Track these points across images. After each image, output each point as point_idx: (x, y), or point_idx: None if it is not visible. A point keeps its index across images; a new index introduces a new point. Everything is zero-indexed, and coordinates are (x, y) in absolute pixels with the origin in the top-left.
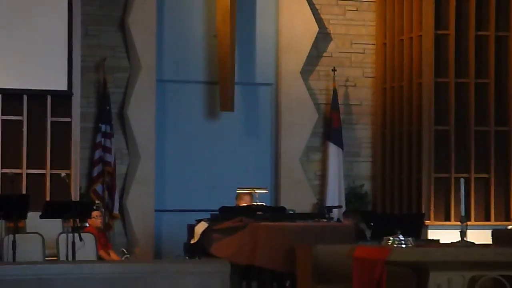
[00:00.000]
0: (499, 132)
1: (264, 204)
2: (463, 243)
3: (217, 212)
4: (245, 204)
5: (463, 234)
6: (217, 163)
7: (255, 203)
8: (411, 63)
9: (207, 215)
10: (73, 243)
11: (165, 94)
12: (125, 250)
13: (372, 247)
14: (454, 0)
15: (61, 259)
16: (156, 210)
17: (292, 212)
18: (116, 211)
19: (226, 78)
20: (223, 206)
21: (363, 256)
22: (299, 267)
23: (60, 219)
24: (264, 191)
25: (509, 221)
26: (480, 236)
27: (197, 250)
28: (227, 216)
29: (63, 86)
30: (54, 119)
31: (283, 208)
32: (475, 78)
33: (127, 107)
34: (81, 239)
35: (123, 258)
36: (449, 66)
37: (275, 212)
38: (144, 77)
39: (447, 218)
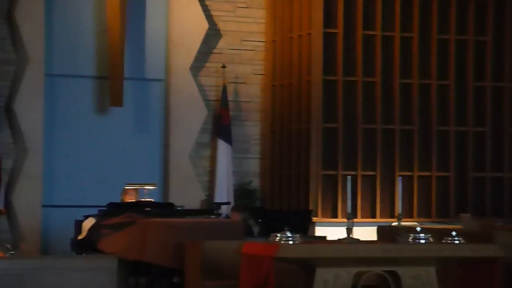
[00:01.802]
0: (386, 130)
1: (152, 200)
2: (349, 240)
3: (105, 208)
4: (130, 200)
5: (349, 231)
6: (106, 158)
7: (142, 199)
8: (300, 61)
9: (96, 211)
10: None
11: (54, 88)
12: (9, 246)
13: (260, 244)
14: (342, 0)
15: None
16: (43, 206)
17: (180, 208)
18: (1, 206)
19: (115, 73)
20: (111, 202)
21: (251, 252)
22: (188, 263)
23: None
24: (153, 187)
25: (393, 218)
26: (366, 232)
27: (85, 246)
28: (115, 212)
29: None
30: None
31: (172, 204)
32: (363, 76)
33: (14, 101)
34: None
35: (7, 255)
36: (337, 65)
37: (164, 208)
38: (31, 71)
39: (334, 215)
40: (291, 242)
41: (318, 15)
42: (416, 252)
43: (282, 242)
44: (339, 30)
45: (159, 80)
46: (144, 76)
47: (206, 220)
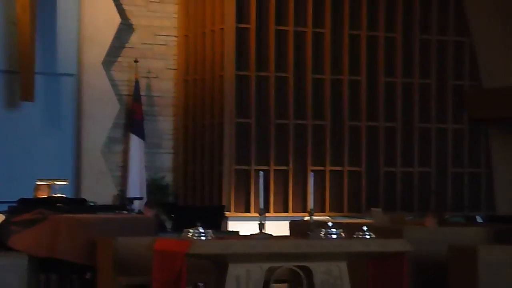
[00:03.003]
0: (298, 125)
1: (64, 195)
2: (261, 235)
3: (15, 204)
4: (43, 196)
5: (261, 226)
6: (18, 154)
7: (54, 195)
8: (213, 56)
9: (6, 207)
10: None
11: None
12: None
13: (172, 240)
14: None
15: None
16: None
17: (93, 204)
18: None
19: (26, 67)
20: (21, 198)
21: (163, 249)
22: (100, 259)
23: None
24: (65, 183)
25: (306, 212)
26: (279, 227)
27: None
28: (26, 208)
29: None
30: None
31: (84, 200)
32: (275, 71)
33: None
34: None
35: None
36: (250, 60)
37: (76, 204)
38: None
39: (247, 210)
40: (203, 238)
41: (230, 10)
42: (327, 247)
43: (195, 238)
44: (252, 25)
45: (71, 75)
46: (56, 71)
47: (118, 216)
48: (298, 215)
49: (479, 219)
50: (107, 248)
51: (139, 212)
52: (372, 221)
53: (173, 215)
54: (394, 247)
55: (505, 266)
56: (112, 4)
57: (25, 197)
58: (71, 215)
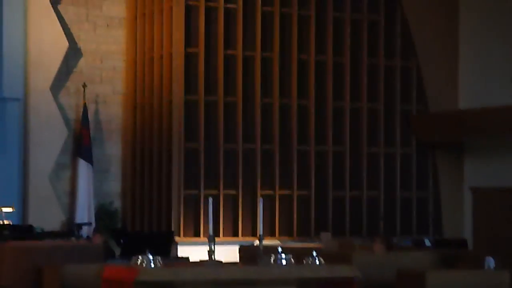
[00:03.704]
0: (247, 149)
1: (10, 222)
2: (211, 262)
3: None
4: None
5: (211, 253)
6: None
7: (0, 221)
8: (162, 81)
9: None
10: None
11: None
12: None
13: (121, 268)
14: (203, 20)
15: None
16: None
17: (40, 230)
18: None
19: None
20: None
21: (111, 277)
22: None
23: None
24: (11, 210)
25: (255, 236)
26: (229, 251)
27: None
28: None
29: None
30: None
31: (31, 227)
32: (224, 96)
33: None
34: None
35: None
36: (199, 84)
37: (22, 231)
38: None
39: (197, 234)
40: (152, 266)
41: (179, 35)
42: (277, 274)
43: (143, 265)
44: (200, 49)
45: (18, 99)
46: (2, 95)
47: (66, 243)
48: (248, 239)
49: (427, 243)
50: (53, 277)
51: (88, 238)
52: (321, 246)
53: (122, 241)
54: (343, 273)
55: None
56: (60, 29)
57: None
58: (16, 242)
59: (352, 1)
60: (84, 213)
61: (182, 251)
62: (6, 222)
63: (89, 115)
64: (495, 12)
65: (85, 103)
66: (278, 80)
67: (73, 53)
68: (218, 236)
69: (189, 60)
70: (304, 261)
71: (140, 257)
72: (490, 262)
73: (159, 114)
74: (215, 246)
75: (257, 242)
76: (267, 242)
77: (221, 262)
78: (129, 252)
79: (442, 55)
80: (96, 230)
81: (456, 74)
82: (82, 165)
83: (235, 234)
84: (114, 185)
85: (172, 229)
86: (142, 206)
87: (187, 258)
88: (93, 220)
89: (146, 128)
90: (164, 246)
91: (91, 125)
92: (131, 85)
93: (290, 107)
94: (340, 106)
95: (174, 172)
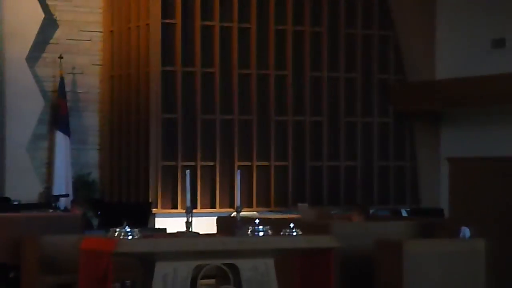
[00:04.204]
0: (225, 120)
1: None
2: (188, 233)
3: None
4: None
5: (188, 224)
6: None
7: None
8: (139, 52)
9: None
10: None
11: None
12: None
13: (99, 239)
14: None
15: None
16: None
17: (17, 202)
18: None
19: None
20: None
21: (89, 248)
22: (25, 258)
23: None
24: None
25: (233, 207)
26: (206, 223)
27: None
28: None
29: None
30: None
31: (8, 199)
32: (201, 67)
33: None
34: None
35: None
36: (176, 55)
37: None
38: None
39: (175, 206)
40: (130, 237)
41: (156, 6)
42: (254, 244)
43: (121, 237)
44: (177, 20)
45: None
46: None
47: (43, 214)
48: (225, 211)
49: (404, 213)
50: (31, 247)
51: (66, 209)
52: (299, 216)
53: (99, 212)
54: (321, 243)
55: (430, 259)
56: None
57: None
58: None
59: None
60: (62, 184)
61: (160, 222)
62: None
63: (66, 86)
64: None
65: (62, 74)
66: (255, 50)
67: (49, 23)
68: (196, 207)
69: (166, 30)
70: (282, 232)
71: (118, 229)
72: (466, 231)
73: (137, 85)
74: (193, 217)
75: (234, 214)
76: (244, 213)
77: (198, 233)
78: (107, 223)
79: (419, 24)
80: (74, 202)
81: (434, 43)
82: (60, 136)
83: (213, 205)
84: (92, 156)
85: (150, 200)
86: (120, 177)
87: (165, 230)
88: (70, 192)
89: (123, 99)
90: (142, 217)
91: (68, 96)
92: (108, 56)
93: (267, 78)
94: (317, 76)
95: (151, 143)
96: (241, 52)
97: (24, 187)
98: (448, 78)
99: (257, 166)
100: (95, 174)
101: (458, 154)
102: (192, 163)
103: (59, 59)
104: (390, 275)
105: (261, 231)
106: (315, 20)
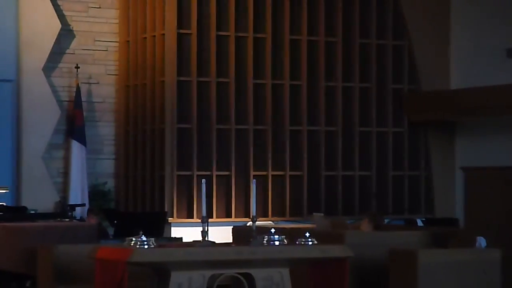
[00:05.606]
0: (240, 130)
1: (4, 204)
2: (203, 243)
3: None
4: None
5: (204, 233)
6: None
7: None
8: (154, 61)
9: None
10: None
11: None
12: None
13: (114, 248)
14: (196, 1)
15: None
16: None
17: (33, 212)
18: None
19: None
20: None
21: (105, 257)
22: (40, 268)
23: None
24: (5, 191)
25: (248, 217)
26: (222, 232)
27: None
28: None
29: None
30: None
31: (25, 208)
32: (216, 77)
33: None
34: None
35: None
36: (191, 65)
37: (16, 212)
38: None
39: (190, 215)
40: (145, 246)
41: (171, 16)
42: (269, 254)
43: (137, 246)
44: (193, 30)
45: (10, 81)
46: None
47: (59, 224)
48: (241, 220)
49: (419, 222)
50: (47, 257)
51: (82, 219)
52: (314, 226)
53: (115, 222)
54: (335, 253)
55: (444, 269)
56: (52, 10)
57: None
58: (9, 224)
59: None
60: (78, 194)
61: (176, 231)
62: None
63: (81, 96)
64: None
65: (78, 83)
66: (270, 60)
67: (66, 34)
68: (211, 217)
69: (182, 41)
70: (297, 242)
71: (133, 238)
72: (482, 241)
73: (152, 94)
74: (208, 227)
75: (250, 223)
76: (260, 222)
77: (214, 242)
78: (123, 232)
79: (434, 34)
80: (89, 211)
81: (448, 52)
82: (75, 146)
83: (228, 215)
84: (107, 166)
85: (165, 210)
86: (135, 186)
87: (181, 239)
88: (86, 201)
89: (139, 108)
90: (157, 227)
91: (84, 106)
92: (124, 66)
93: (282, 87)
94: (332, 86)
95: (167, 153)
96: (256, 62)
97: (40, 197)
98: (462, 88)
99: (272, 175)
100: (110, 184)
101: (472, 164)
102: (208, 173)
103: (75, 69)
104: (404, 285)
105: (277, 241)
106: (330, 30)
